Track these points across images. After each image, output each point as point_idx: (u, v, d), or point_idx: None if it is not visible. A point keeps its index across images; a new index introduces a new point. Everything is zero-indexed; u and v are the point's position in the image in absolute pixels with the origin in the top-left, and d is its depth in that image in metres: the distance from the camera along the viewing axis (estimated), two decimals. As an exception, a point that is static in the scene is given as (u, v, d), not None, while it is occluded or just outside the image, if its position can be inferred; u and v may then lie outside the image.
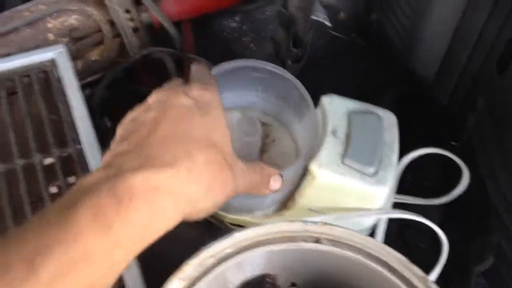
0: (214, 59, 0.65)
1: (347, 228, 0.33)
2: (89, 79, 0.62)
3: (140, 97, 0.63)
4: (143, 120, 0.36)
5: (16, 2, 0.68)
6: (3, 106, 0.50)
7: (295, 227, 0.34)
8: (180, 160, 0.33)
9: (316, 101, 0.49)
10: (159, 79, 0.63)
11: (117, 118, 0.55)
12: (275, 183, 0.41)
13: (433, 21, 0.52)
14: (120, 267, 0.29)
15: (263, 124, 0.55)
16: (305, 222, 0.34)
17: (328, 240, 0.33)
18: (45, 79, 0.52)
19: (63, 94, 0.51)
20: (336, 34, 0.60)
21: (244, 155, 0.51)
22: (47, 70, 0.52)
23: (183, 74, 0.63)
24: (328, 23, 0.57)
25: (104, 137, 0.48)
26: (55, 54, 0.53)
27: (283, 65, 0.58)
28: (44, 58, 0.53)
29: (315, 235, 0.34)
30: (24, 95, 0.51)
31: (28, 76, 0.52)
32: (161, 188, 0.31)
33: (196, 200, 0.34)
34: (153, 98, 0.39)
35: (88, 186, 0.29)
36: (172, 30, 0.62)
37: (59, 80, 0.52)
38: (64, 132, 0.48)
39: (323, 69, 0.60)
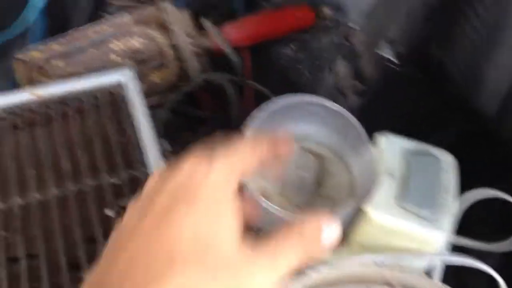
0: (270, 86, 0.66)
1: (421, 275, 0.33)
2: (149, 102, 0.64)
3: (199, 121, 0.65)
4: (124, 228, 0.27)
5: (81, 22, 0.70)
6: (72, 125, 0.51)
7: (368, 269, 0.34)
8: None
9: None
10: (219, 104, 0.65)
11: (176, 141, 0.57)
12: (330, 233, 0.28)
13: (500, 58, 0.52)
14: None
15: (319, 156, 0.55)
16: (378, 264, 0.34)
17: (400, 285, 0.33)
18: (112, 101, 0.54)
19: (130, 116, 0.52)
20: (396, 68, 0.60)
21: (298, 189, 0.52)
22: (115, 92, 0.54)
23: (243, 99, 0.64)
24: (392, 58, 0.58)
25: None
26: (123, 76, 0.55)
27: (343, 97, 0.58)
28: (113, 80, 0.54)
29: (387, 278, 0.34)
30: (93, 115, 0.52)
31: (96, 97, 0.53)
32: None
33: None
34: (148, 185, 0.29)
35: None
36: (233, 56, 0.63)
37: (126, 103, 0.53)
38: (131, 154, 0.49)
39: (382, 103, 0.60)
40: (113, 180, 0.47)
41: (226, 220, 0.25)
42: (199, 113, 0.65)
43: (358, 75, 0.58)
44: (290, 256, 0.27)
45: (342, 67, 0.61)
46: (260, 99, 0.53)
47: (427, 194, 0.45)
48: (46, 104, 0.52)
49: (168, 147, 0.61)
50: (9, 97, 0.52)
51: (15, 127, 0.51)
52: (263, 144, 0.30)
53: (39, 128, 0.51)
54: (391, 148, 0.48)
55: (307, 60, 0.72)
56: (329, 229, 0.28)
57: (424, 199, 0.44)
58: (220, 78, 0.63)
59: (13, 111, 0.51)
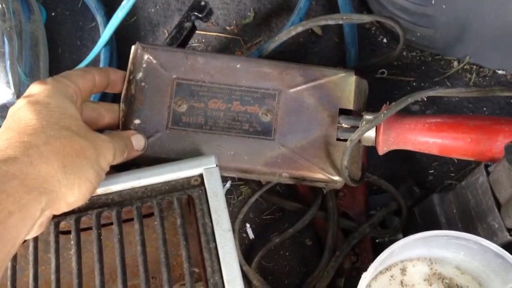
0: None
1: None
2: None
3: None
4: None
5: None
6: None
7: None
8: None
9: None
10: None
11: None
12: (138, 142, 0.43)
13: None
14: None
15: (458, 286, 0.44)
16: None
17: None
18: (186, 202, 0.41)
19: (210, 233, 0.38)
20: None
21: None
22: (191, 193, 0.40)
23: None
24: None
25: None
26: (206, 168, 0.40)
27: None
28: (192, 173, 0.40)
29: None
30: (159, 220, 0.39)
31: (167, 198, 0.40)
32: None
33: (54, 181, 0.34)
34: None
35: None
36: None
37: (205, 204, 0.40)
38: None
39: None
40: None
41: (67, 111, 0.38)
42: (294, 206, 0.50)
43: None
44: (119, 144, 0.40)
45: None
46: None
47: None
48: (104, 202, 0.40)
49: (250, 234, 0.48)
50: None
51: (61, 232, 0.39)
52: (93, 71, 0.44)
53: (86, 234, 0.40)
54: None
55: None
56: (136, 137, 0.43)
57: None
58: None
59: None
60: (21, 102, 0.37)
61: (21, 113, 0.36)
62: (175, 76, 0.46)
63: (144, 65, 0.46)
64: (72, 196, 0.35)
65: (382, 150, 0.45)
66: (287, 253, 0.51)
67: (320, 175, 0.44)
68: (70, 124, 0.37)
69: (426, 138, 0.44)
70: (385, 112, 0.42)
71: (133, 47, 0.46)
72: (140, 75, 0.45)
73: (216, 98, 0.46)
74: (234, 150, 0.44)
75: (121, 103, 0.45)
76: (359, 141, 0.44)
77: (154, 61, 0.46)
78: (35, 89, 0.38)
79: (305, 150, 0.44)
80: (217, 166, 0.41)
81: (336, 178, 0.44)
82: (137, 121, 0.45)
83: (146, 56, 0.46)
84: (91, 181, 0.36)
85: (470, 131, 0.43)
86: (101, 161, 0.37)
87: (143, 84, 0.45)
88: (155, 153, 0.44)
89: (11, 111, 0.37)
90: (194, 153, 0.44)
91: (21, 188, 0.32)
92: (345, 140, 0.44)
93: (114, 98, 0.53)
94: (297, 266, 0.51)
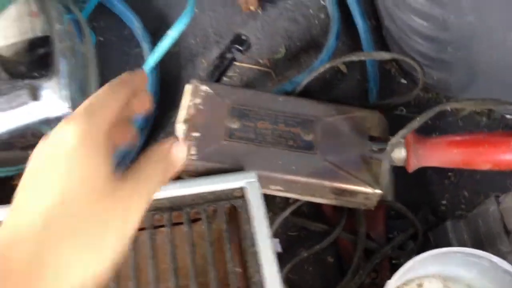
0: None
1: None
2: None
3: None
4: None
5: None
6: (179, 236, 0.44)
7: None
8: None
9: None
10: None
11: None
12: (179, 152, 0.34)
13: None
14: None
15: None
16: None
17: None
18: (230, 212, 0.45)
19: (251, 239, 0.43)
20: None
21: None
22: (235, 204, 0.45)
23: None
24: None
25: None
26: (247, 182, 0.45)
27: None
28: (234, 186, 0.45)
29: None
30: (204, 226, 0.44)
31: (212, 206, 0.45)
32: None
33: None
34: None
35: None
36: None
37: (246, 216, 0.44)
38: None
39: None
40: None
41: (93, 163, 0.30)
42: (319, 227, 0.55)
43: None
44: (156, 169, 0.32)
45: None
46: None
47: None
48: (156, 207, 0.44)
49: (278, 247, 0.52)
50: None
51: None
52: (118, 86, 0.33)
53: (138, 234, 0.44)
54: None
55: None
56: (177, 149, 0.33)
57: None
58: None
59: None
60: (44, 148, 0.30)
61: (43, 172, 0.29)
62: (228, 102, 0.53)
63: (202, 94, 0.53)
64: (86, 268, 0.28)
65: (412, 166, 0.51)
66: (310, 268, 0.56)
67: (361, 188, 0.50)
68: (94, 186, 0.29)
69: (449, 150, 0.50)
70: (419, 117, 0.49)
71: (189, 84, 0.54)
72: (198, 100, 0.53)
73: (263, 120, 0.53)
74: (282, 161, 0.50)
75: (177, 124, 0.52)
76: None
77: (211, 91, 0.53)
78: (63, 132, 0.30)
79: (346, 164, 0.50)
80: (257, 180, 0.46)
81: (377, 190, 0.50)
82: (196, 134, 0.51)
83: (204, 87, 0.54)
84: (110, 251, 0.29)
85: (486, 138, 0.50)
86: (127, 227, 0.30)
87: (201, 107, 0.53)
88: (212, 161, 0.49)
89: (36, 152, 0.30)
90: (246, 162, 0.49)
91: None
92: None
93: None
94: (319, 281, 0.55)
